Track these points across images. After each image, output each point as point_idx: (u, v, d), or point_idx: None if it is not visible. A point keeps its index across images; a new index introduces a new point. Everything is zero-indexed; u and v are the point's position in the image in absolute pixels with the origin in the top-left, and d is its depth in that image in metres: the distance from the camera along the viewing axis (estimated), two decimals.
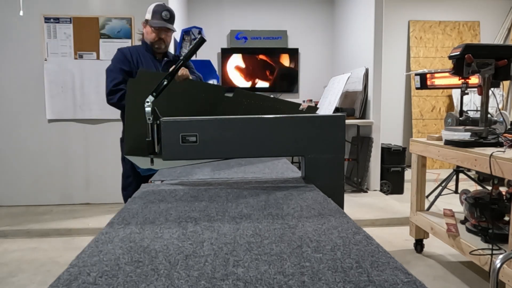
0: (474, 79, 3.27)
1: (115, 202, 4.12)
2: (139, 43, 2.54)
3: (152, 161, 1.42)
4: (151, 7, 2.39)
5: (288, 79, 6.04)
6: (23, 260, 2.90)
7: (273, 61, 6.00)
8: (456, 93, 5.68)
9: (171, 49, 4.27)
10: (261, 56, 5.96)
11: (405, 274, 0.70)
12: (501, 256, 1.47)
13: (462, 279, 2.53)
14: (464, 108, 4.00)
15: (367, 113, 4.73)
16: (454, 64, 2.39)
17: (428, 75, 3.98)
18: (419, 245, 2.97)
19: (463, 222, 2.61)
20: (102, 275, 0.71)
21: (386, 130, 5.61)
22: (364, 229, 0.94)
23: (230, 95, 1.98)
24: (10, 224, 3.52)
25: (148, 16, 2.38)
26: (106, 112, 3.98)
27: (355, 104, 4.90)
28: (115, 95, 2.31)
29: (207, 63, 4.26)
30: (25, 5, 3.79)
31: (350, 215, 1.07)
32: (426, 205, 3.20)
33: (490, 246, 2.15)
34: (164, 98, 1.42)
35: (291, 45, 6.03)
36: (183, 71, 2.18)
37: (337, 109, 4.69)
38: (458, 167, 4.07)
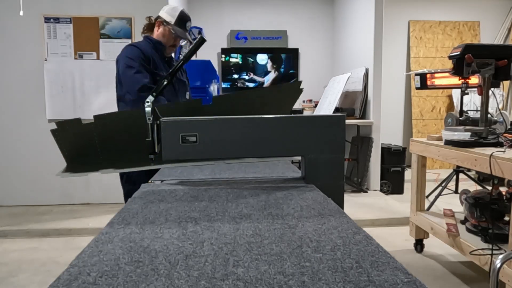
0: (474, 79, 3.27)
1: (115, 202, 4.12)
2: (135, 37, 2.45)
3: (152, 161, 1.42)
4: (174, 11, 2.32)
5: (287, 80, 6.04)
6: (23, 260, 2.89)
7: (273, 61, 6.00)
8: (456, 93, 5.68)
9: None
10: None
11: (405, 274, 0.70)
12: (501, 256, 1.47)
13: (462, 279, 2.53)
14: (464, 108, 4.00)
15: (367, 113, 4.72)
16: (454, 64, 2.39)
17: (428, 75, 3.98)
18: (419, 245, 2.97)
19: (463, 222, 2.61)
20: (102, 275, 0.71)
21: (386, 130, 5.61)
22: (364, 229, 0.94)
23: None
24: (10, 224, 3.52)
25: (171, 19, 2.32)
26: (106, 112, 3.97)
27: (355, 104, 4.90)
28: (146, 92, 2.07)
29: (207, 63, 4.26)
30: (25, 5, 3.79)
31: (350, 215, 1.07)
32: (426, 205, 3.20)
33: (490, 246, 2.15)
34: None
35: (291, 45, 6.02)
36: None
37: (337, 109, 4.69)
38: (458, 167, 4.07)
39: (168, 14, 2.33)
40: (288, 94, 2.10)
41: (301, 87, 1.94)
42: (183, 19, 2.33)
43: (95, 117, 1.68)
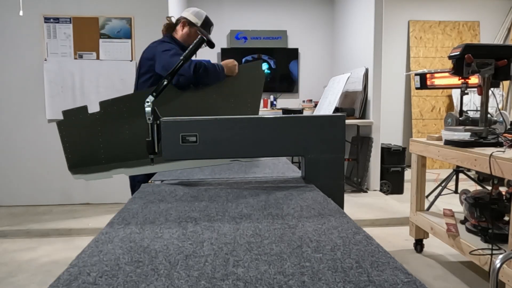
0: (474, 79, 3.27)
1: (115, 202, 4.13)
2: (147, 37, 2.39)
3: (152, 161, 1.42)
4: (201, 14, 2.40)
5: (288, 79, 6.04)
6: (23, 260, 2.89)
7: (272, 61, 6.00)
8: (456, 93, 5.68)
9: None
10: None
11: (405, 274, 0.70)
12: (501, 256, 1.47)
13: (462, 279, 2.53)
14: (464, 108, 4.01)
15: (367, 113, 4.73)
16: (454, 64, 2.39)
17: (428, 75, 3.98)
18: (419, 245, 2.97)
19: (463, 222, 2.61)
20: (102, 275, 0.71)
21: (386, 130, 5.61)
22: (364, 229, 0.94)
23: None
24: (10, 224, 3.52)
25: (197, 21, 2.39)
26: None
27: (355, 104, 4.90)
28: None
29: None
30: (25, 5, 3.79)
31: (350, 215, 1.07)
32: (426, 205, 3.20)
33: (490, 246, 2.15)
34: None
35: (291, 45, 6.02)
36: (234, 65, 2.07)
37: (337, 109, 4.68)
38: (458, 167, 4.07)
39: (195, 16, 2.40)
40: (249, 79, 2.07)
41: (263, 69, 1.97)
42: (208, 23, 2.43)
43: (101, 103, 1.69)
